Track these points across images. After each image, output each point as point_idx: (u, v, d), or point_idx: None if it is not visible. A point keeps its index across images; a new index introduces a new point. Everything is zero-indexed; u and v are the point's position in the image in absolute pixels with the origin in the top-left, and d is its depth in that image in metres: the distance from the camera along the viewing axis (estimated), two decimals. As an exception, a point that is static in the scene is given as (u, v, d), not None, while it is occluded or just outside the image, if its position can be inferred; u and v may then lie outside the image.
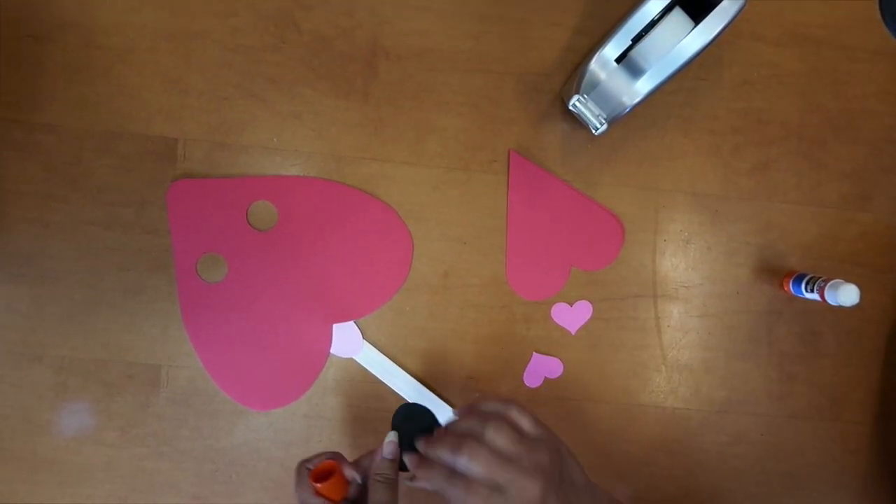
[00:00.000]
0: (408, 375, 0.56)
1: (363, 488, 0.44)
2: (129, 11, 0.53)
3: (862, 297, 0.50)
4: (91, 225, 0.54)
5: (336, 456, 0.45)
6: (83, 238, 0.54)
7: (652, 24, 0.49)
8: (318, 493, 0.43)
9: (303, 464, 0.45)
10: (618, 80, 0.50)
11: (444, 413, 0.56)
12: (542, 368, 0.57)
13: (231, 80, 0.54)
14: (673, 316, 0.57)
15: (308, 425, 0.56)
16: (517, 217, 0.56)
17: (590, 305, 0.57)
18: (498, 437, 0.41)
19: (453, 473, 0.40)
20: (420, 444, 0.44)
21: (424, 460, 0.43)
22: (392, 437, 0.45)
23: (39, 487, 0.55)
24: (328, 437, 0.56)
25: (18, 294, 0.54)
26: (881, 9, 0.40)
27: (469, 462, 0.40)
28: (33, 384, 0.54)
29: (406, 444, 0.45)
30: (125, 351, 0.55)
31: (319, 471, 0.43)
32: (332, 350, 0.55)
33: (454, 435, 0.42)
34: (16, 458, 0.54)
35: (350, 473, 0.44)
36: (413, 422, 0.46)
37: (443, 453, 0.41)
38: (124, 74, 0.54)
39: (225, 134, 0.54)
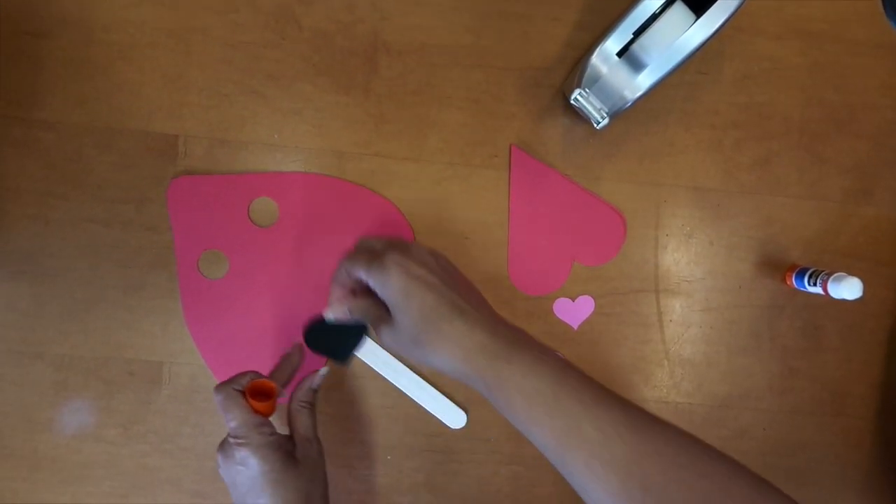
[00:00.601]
0: (410, 371, 0.56)
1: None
2: (129, 7, 0.53)
3: (864, 291, 0.50)
4: (91, 222, 0.54)
5: (258, 375, 0.47)
6: (83, 235, 0.54)
7: (653, 18, 0.49)
8: (256, 411, 0.45)
9: (227, 386, 0.46)
10: (619, 75, 0.50)
11: (447, 409, 0.56)
12: (544, 364, 0.57)
13: (231, 76, 0.54)
14: (675, 310, 0.57)
15: (310, 422, 0.56)
16: (519, 212, 0.56)
17: (592, 300, 0.57)
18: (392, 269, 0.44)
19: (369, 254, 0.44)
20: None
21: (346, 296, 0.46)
22: (324, 371, 0.51)
23: (40, 485, 0.54)
24: (330, 433, 0.56)
25: (18, 292, 0.54)
26: (883, 2, 0.40)
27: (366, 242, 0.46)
28: (34, 382, 0.54)
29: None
30: (126, 348, 0.54)
31: (257, 389, 0.46)
32: (334, 346, 0.55)
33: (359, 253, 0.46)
34: (16, 456, 0.54)
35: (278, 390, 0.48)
36: (332, 335, 0.48)
37: (357, 270, 0.45)
38: (124, 71, 0.54)
39: (225, 130, 0.54)
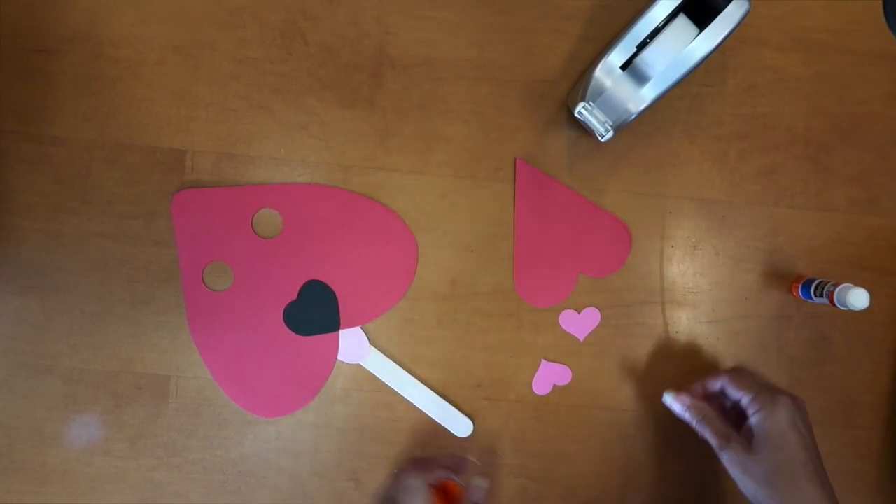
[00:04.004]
0: (416, 381, 0.56)
1: None
2: (138, 24, 0.54)
3: (871, 301, 0.50)
4: (100, 237, 0.54)
5: (450, 475, 0.49)
6: (92, 250, 0.54)
7: (657, 31, 0.49)
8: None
9: (421, 477, 0.47)
10: (623, 87, 0.50)
11: (452, 417, 0.56)
12: (550, 376, 0.57)
13: (238, 91, 0.55)
14: (681, 322, 0.57)
15: (317, 434, 0.56)
16: (524, 225, 0.56)
17: (598, 312, 0.57)
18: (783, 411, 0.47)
19: None
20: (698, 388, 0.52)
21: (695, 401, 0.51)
22: (485, 484, 0.52)
23: (49, 499, 0.55)
24: (336, 446, 0.56)
25: (28, 306, 0.54)
26: (885, 12, 0.40)
27: None
28: (43, 395, 0.54)
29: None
30: (134, 362, 0.55)
31: (445, 488, 0.49)
32: (339, 356, 0.56)
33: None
34: (25, 470, 0.55)
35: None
36: (305, 315, 0.55)
37: (740, 391, 0.49)
38: (132, 87, 0.54)
39: (233, 145, 0.55)
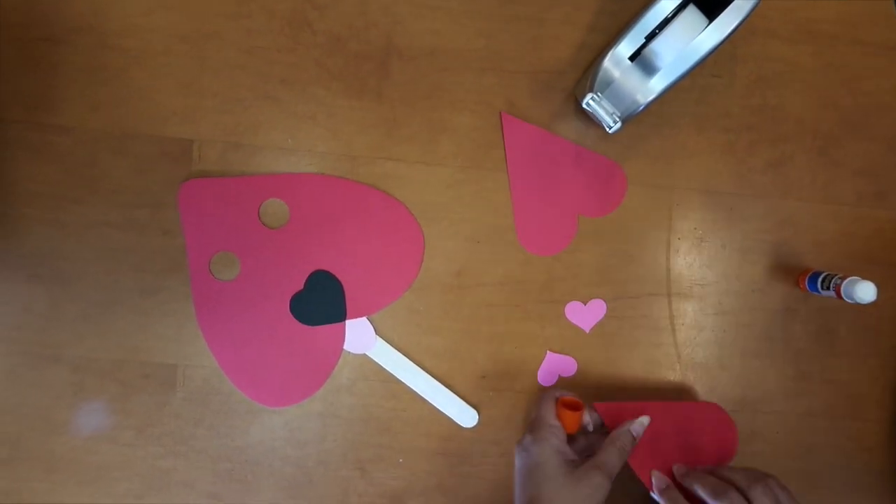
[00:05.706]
0: (422, 371, 0.56)
1: (587, 437, 0.52)
2: (143, 13, 0.54)
3: (878, 295, 0.50)
4: (106, 226, 0.54)
5: (571, 394, 0.52)
6: (99, 239, 0.54)
7: (666, 22, 0.49)
8: (559, 417, 0.50)
9: (550, 391, 0.52)
10: (631, 78, 0.50)
11: (458, 408, 0.56)
12: (556, 367, 0.57)
13: (245, 81, 0.55)
14: (687, 314, 0.57)
15: (323, 424, 0.56)
16: (518, 175, 0.56)
17: (603, 304, 0.57)
18: (763, 500, 0.44)
19: None
20: (677, 470, 0.50)
21: (672, 486, 0.49)
22: (645, 420, 0.51)
23: (57, 486, 0.55)
24: (343, 435, 0.56)
25: (35, 295, 0.54)
26: (897, 4, 0.40)
27: None
28: (50, 384, 0.55)
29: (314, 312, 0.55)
30: (141, 351, 0.55)
31: (569, 401, 0.51)
32: (346, 346, 0.56)
33: (716, 478, 0.47)
34: (33, 458, 0.55)
35: (587, 419, 0.51)
36: (312, 306, 0.55)
37: (700, 489, 0.47)
38: (138, 76, 0.54)
39: (240, 135, 0.55)
